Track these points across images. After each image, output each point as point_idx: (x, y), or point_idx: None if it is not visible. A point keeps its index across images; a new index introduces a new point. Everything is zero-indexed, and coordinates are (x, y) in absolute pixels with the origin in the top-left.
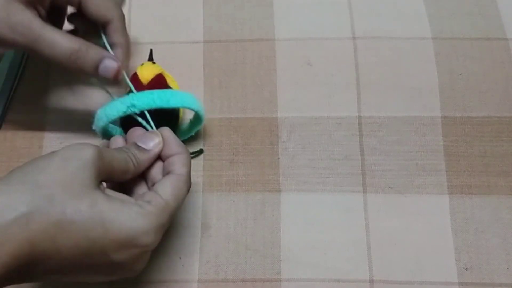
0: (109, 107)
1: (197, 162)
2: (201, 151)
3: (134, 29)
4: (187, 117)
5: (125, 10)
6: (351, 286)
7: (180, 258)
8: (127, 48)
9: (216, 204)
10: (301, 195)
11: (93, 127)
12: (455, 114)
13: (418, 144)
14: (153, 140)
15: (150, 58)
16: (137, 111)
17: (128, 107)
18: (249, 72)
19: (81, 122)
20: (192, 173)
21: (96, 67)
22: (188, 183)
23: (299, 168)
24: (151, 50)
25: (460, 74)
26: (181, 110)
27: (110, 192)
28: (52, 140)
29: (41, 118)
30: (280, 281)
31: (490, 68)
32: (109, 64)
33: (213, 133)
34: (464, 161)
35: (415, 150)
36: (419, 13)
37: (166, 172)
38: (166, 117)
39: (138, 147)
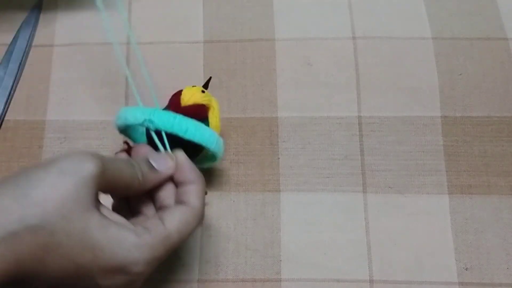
0: (130, 111)
1: None
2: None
3: (134, 29)
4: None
5: (125, 10)
6: (351, 286)
7: (180, 258)
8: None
9: (216, 204)
10: (301, 195)
11: (115, 123)
12: (455, 114)
13: (418, 144)
14: (166, 162)
15: (206, 86)
16: (153, 128)
17: (145, 120)
18: (249, 72)
19: (81, 123)
20: None
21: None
22: (200, 218)
23: (299, 168)
24: (210, 78)
25: (460, 74)
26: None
27: (107, 212)
28: (52, 140)
29: (41, 118)
30: (280, 281)
31: (490, 68)
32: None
33: None
34: (464, 161)
35: (415, 150)
36: (419, 13)
37: (178, 201)
38: (184, 144)
39: (149, 165)
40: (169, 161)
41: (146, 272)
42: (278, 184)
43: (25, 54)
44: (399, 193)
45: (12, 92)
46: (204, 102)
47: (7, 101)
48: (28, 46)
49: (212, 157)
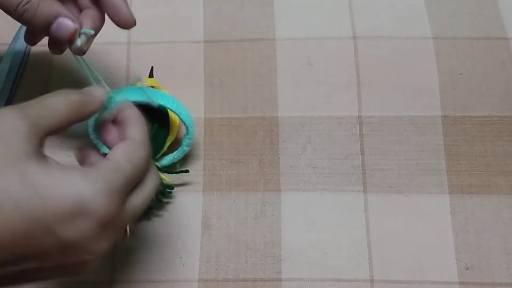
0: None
1: (197, 162)
2: (186, 171)
3: (135, 28)
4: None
5: None
6: (352, 286)
7: (180, 257)
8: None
9: (217, 204)
10: (302, 194)
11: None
12: (455, 114)
13: (418, 143)
14: (97, 91)
15: (151, 75)
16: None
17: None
18: (249, 71)
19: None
20: (192, 172)
21: (48, 25)
22: (146, 147)
23: (299, 167)
24: (152, 67)
25: (461, 74)
26: (175, 124)
27: (51, 159)
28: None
29: None
30: (281, 280)
31: (491, 67)
32: (64, 24)
33: (213, 133)
34: (465, 161)
35: (416, 150)
36: (420, 13)
37: (120, 139)
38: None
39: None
40: (98, 90)
41: (109, 209)
42: (279, 183)
43: (25, 54)
44: (400, 192)
45: (12, 92)
46: (154, 84)
47: (7, 101)
48: (28, 46)
49: (187, 132)
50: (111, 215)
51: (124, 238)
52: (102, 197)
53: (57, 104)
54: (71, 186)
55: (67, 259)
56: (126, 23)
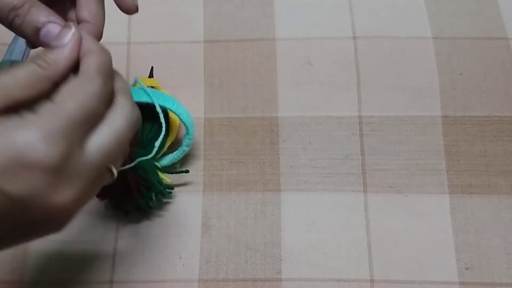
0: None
1: (197, 162)
2: (186, 171)
3: (135, 28)
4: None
5: None
6: (352, 286)
7: (180, 257)
8: (99, 25)
9: (217, 204)
10: (302, 194)
11: None
12: (455, 114)
13: (418, 143)
14: (66, 34)
15: (151, 75)
16: None
17: None
18: (249, 71)
19: None
20: (192, 172)
21: (37, 31)
22: (97, 80)
23: (299, 167)
24: (152, 67)
25: (461, 74)
26: (175, 124)
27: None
28: None
29: None
30: (281, 280)
31: (491, 67)
32: (53, 31)
33: (213, 133)
34: (465, 161)
35: (416, 150)
36: (420, 13)
37: None
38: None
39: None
40: (67, 32)
41: (52, 153)
42: (279, 183)
43: (25, 54)
44: (400, 192)
45: None
46: (154, 84)
47: None
48: (27, 49)
49: (187, 132)
50: (59, 161)
51: (112, 178)
52: (41, 144)
53: (17, 73)
54: (4, 138)
55: (33, 216)
56: (128, 8)
